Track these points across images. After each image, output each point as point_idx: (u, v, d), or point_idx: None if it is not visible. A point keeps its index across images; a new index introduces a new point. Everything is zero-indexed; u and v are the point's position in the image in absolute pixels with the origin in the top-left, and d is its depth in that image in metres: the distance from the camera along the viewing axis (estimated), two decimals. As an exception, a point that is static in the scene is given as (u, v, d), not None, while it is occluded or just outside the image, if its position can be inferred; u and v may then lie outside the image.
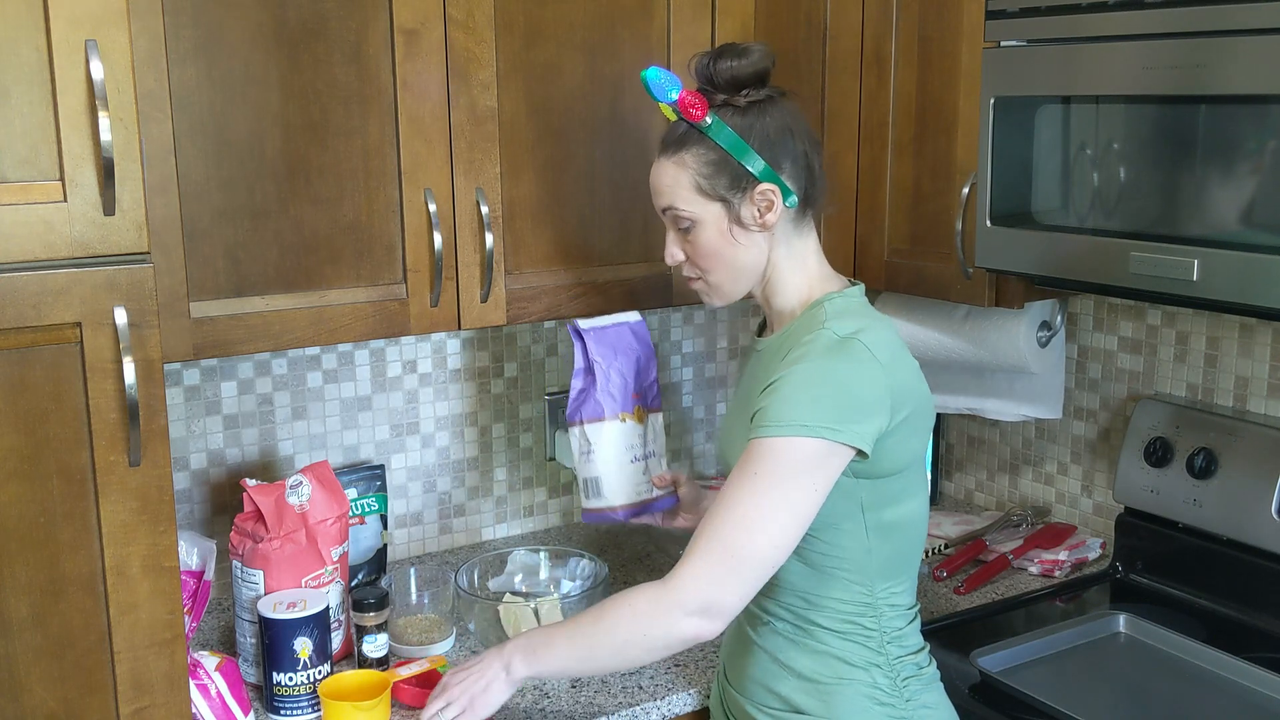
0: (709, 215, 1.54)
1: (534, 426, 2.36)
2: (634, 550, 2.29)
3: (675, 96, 1.53)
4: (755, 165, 1.51)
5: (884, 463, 1.47)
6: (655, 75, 1.54)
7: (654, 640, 1.46)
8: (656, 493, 1.85)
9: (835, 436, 1.41)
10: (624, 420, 1.80)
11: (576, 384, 1.83)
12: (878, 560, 1.52)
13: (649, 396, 1.86)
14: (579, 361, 1.83)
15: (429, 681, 1.70)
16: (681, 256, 1.61)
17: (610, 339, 1.83)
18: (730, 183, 1.53)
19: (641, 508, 1.83)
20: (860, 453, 1.44)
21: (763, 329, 1.69)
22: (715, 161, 1.52)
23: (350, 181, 1.77)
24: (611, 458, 1.80)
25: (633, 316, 1.89)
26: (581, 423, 1.81)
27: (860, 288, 1.59)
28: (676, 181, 1.55)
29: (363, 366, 2.18)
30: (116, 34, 1.32)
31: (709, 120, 1.52)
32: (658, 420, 1.87)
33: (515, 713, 1.71)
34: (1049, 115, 1.74)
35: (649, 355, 1.87)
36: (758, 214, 1.53)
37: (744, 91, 1.53)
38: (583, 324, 1.83)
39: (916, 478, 1.56)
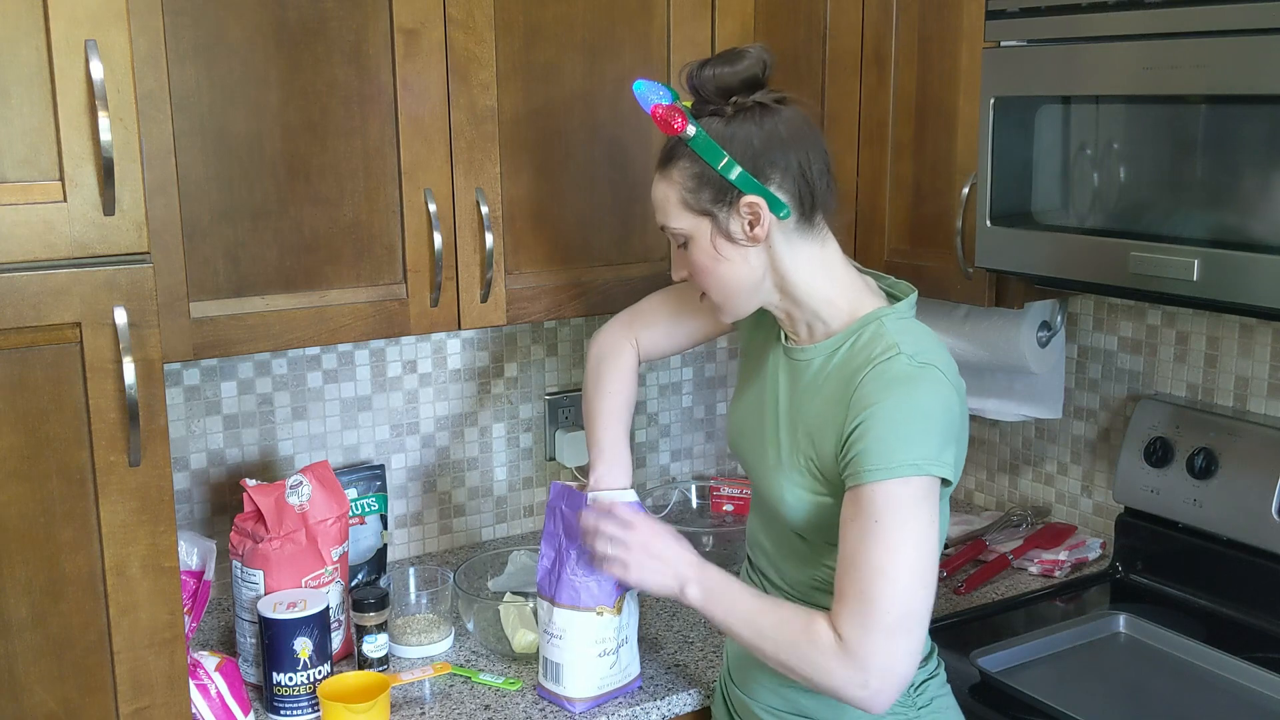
0: (697, 231, 1.48)
1: (534, 426, 2.36)
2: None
3: (649, 110, 1.47)
4: (737, 176, 1.44)
5: (945, 488, 1.45)
6: (639, 87, 1.48)
7: (820, 688, 1.42)
8: (620, 683, 1.73)
9: (938, 470, 1.39)
10: (600, 614, 1.66)
11: (549, 553, 1.69)
12: None
13: None
14: (554, 525, 1.69)
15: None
16: (685, 273, 1.55)
17: None
18: (714, 196, 1.46)
19: (602, 699, 1.72)
20: (945, 482, 1.42)
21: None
22: (698, 175, 1.46)
23: (350, 181, 1.77)
24: (579, 649, 1.67)
25: (631, 495, 1.67)
26: (553, 602, 1.67)
27: (910, 300, 1.52)
28: (666, 198, 1.50)
29: (363, 366, 2.18)
30: (116, 34, 1.32)
31: (690, 131, 1.44)
32: (634, 596, 1.72)
33: (515, 712, 1.72)
34: (1049, 115, 1.74)
35: None
36: (746, 227, 1.46)
37: (732, 99, 1.46)
38: (591, 498, 1.64)
39: (948, 500, 1.53)
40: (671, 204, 1.49)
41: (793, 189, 1.46)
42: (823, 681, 1.41)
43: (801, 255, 1.50)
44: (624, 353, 1.77)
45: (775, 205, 1.45)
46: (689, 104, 1.49)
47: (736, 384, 1.69)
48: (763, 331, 1.63)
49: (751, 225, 1.46)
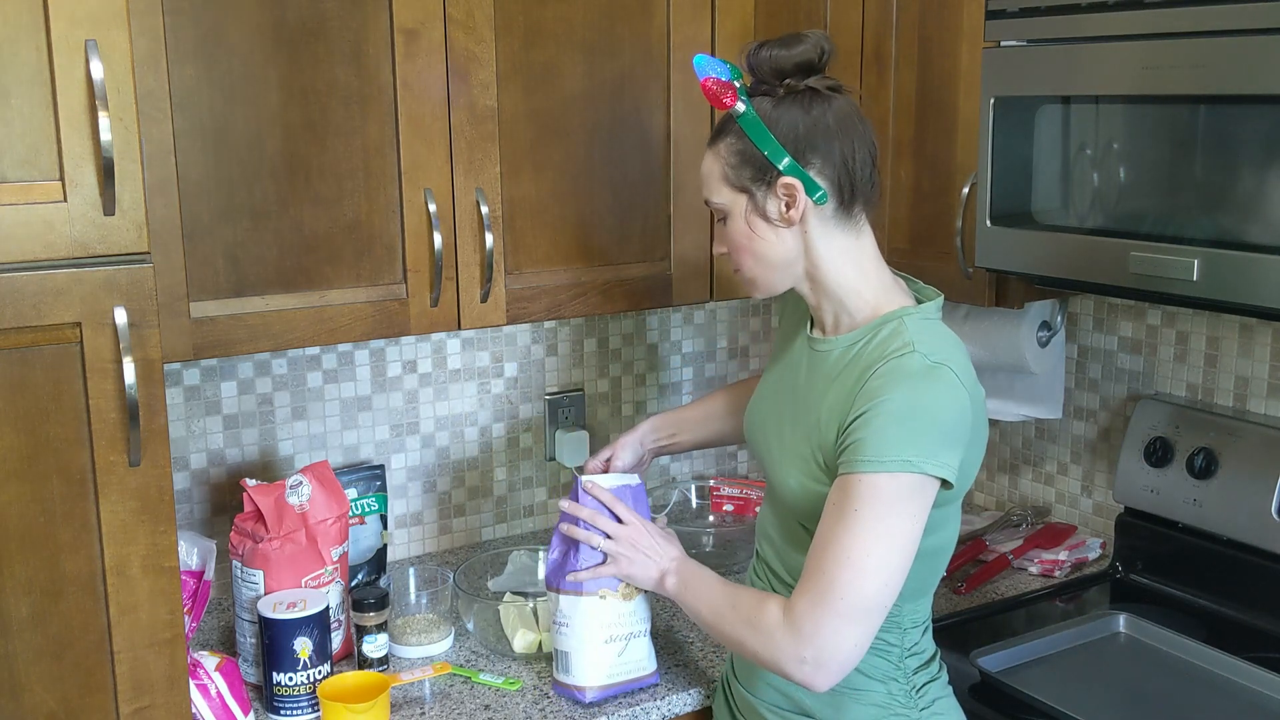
0: (735, 206, 1.52)
1: (534, 426, 2.36)
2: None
3: (701, 83, 1.50)
4: (777, 157, 1.47)
5: (948, 491, 1.44)
6: (699, 61, 1.51)
7: (766, 663, 1.46)
8: (632, 675, 1.72)
9: (934, 470, 1.39)
10: (604, 598, 1.66)
11: (560, 545, 1.71)
12: (910, 584, 1.47)
13: None
14: (565, 519, 1.70)
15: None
16: (724, 249, 1.59)
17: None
18: (754, 174, 1.49)
19: (613, 690, 1.71)
20: (945, 483, 1.41)
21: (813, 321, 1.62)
22: (741, 151, 1.49)
23: (350, 181, 1.77)
24: (585, 636, 1.67)
25: (633, 479, 1.74)
26: (559, 591, 1.68)
27: (937, 303, 1.53)
28: (710, 172, 1.54)
29: (363, 366, 2.18)
30: (116, 34, 1.32)
31: (740, 108, 1.48)
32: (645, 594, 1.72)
33: (515, 712, 1.72)
34: (1049, 115, 1.75)
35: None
36: (782, 208, 1.49)
37: (785, 81, 1.49)
38: (586, 481, 1.69)
39: (958, 505, 1.53)
40: (714, 178, 1.54)
41: (833, 177, 1.49)
42: (766, 653, 1.45)
43: (835, 244, 1.52)
44: (747, 379, 1.96)
45: (812, 189, 1.48)
46: (748, 81, 1.52)
47: (764, 373, 1.71)
48: (795, 323, 1.66)
49: (787, 207, 1.49)
